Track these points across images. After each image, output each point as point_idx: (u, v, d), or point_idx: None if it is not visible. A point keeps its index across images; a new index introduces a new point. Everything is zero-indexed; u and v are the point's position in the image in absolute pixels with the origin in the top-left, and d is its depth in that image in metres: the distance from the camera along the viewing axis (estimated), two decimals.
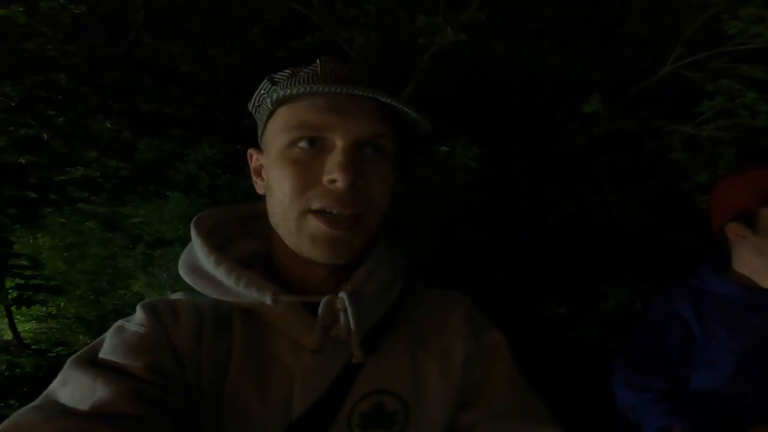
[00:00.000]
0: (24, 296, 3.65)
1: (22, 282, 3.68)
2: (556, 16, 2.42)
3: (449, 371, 0.80)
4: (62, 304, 5.05)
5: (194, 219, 0.81)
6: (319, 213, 0.68)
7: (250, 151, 0.83)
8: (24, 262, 3.69)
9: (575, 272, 2.92)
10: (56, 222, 4.06)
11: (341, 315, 0.71)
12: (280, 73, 0.76)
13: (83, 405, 0.57)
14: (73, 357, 0.65)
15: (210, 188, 2.88)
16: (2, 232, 3.59)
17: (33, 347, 4.44)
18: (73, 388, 0.60)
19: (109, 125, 3.30)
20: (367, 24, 1.97)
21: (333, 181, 0.67)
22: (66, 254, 4.39)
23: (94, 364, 0.63)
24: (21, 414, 0.57)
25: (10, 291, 3.65)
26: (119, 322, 0.70)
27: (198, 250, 0.77)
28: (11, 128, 3.38)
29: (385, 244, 0.83)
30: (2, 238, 3.54)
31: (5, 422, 0.55)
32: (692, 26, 2.46)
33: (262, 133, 0.78)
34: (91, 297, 4.34)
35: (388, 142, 0.72)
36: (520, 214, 2.81)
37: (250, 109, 0.81)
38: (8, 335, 4.56)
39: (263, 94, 0.76)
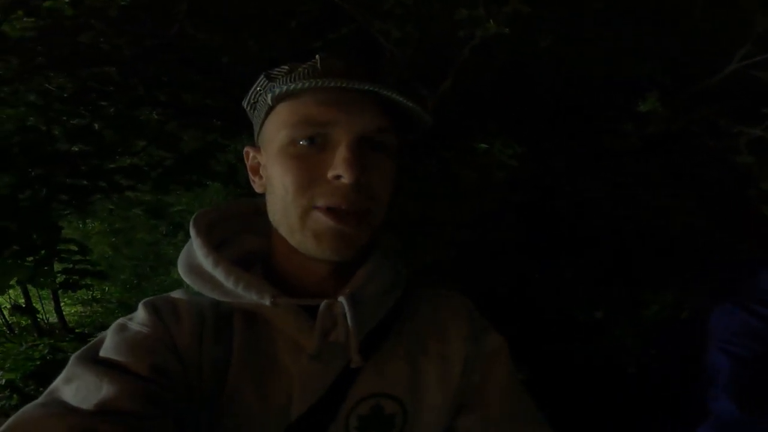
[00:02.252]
0: (70, 280, 3.79)
1: (69, 266, 3.83)
2: (607, 8, 2.30)
3: (448, 375, 0.79)
4: (107, 288, 5.29)
5: (193, 216, 0.82)
6: (324, 209, 0.68)
7: (247, 148, 0.83)
8: (72, 247, 3.83)
9: (614, 276, 2.81)
10: (105, 209, 4.22)
11: (340, 319, 0.71)
12: (277, 69, 0.76)
13: (87, 403, 0.58)
14: (76, 354, 0.66)
15: (247, 179, 2.91)
16: (53, 218, 3.75)
17: (77, 331, 4.65)
18: (77, 385, 0.60)
19: (155, 116, 3.40)
20: (403, 16, 1.93)
21: (338, 177, 0.67)
22: (113, 239, 4.58)
23: (97, 362, 0.63)
24: (26, 411, 0.57)
25: (57, 275, 3.80)
26: (121, 320, 0.71)
27: (197, 249, 0.78)
28: (65, 118, 3.54)
29: (384, 247, 0.83)
30: (52, 224, 3.70)
31: (10, 420, 0.56)
32: (764, 22, 2.30)
33: (260, 130, 0.78)
34: (135, 282, 4.52)
35: (390, 138, 0.72)
36: (557, 214, 2.71)
37: (245, 106, 0.81)
38: (54, 318, 4.78)
39: (260, 90, 0.76)
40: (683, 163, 2.57)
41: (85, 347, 0.68)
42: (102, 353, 0.65)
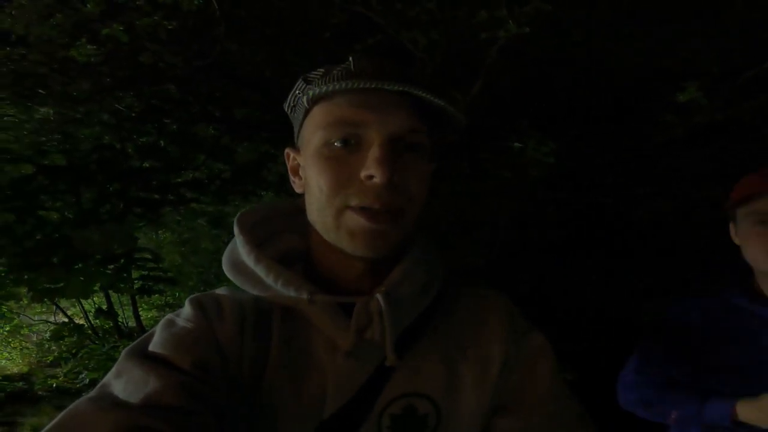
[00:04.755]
0: (146, 286, 4.08)
1: (145, 273, 4.12)
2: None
3: (485, 376, 0.78)
4: (177, 294, 5.61)
5: (237, 215, 0.82)
6: (358, 208, 0.68)
7: (287, 150, 0.82)
8: (147, 256, 4.11)
9: (668, 273, 2.67)
10: (174, 220, 4.50)
11: (376, 317, 0.71)
12: (314, 72, 0.76)
13: (135, 397, 0.60)
14: (127, 349, 0.68)
15: None
16: (130, 230, 4.05)
17: None
18: (126, 380, 0.63)
19: (212, 131, 3.62)
20: (428, 22, 1.96)
21: (370, 177, 0.66)
22: (183, 249, 4.87)
23: (146, 357, 0.66)
24: (77, 405, 0.60)
25: (135, 281, 4.09)
26: (169, 316, 0.74)
27: (240, 246, 0.79)
28: (135, 136, 3.84)
29: (421, 244, 0.82)
30: (129, 235, 4.00)
31: (63, 413, 0.59)
32: None
33: (299, 132, 0.78)
34: (202, 288, 4.76)
35: (423, 138, 0.71)
36: (603, 212, 2.62)
37: (286, 110, 0.82)
38: (133, 322, 5.09)
39: (298, 93, 0.76)
40: (735, 154, 2.43)
41: (135, 342, 0.70)
42: (151, 348, 0.67)
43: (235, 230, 0.80)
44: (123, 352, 0.68)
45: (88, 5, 2.09)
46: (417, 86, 0.65)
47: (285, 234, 0.84)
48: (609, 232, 2.77)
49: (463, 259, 2.34)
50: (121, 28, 2.12)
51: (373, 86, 0.65)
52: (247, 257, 0.77)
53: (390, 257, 0.74)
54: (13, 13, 2.45)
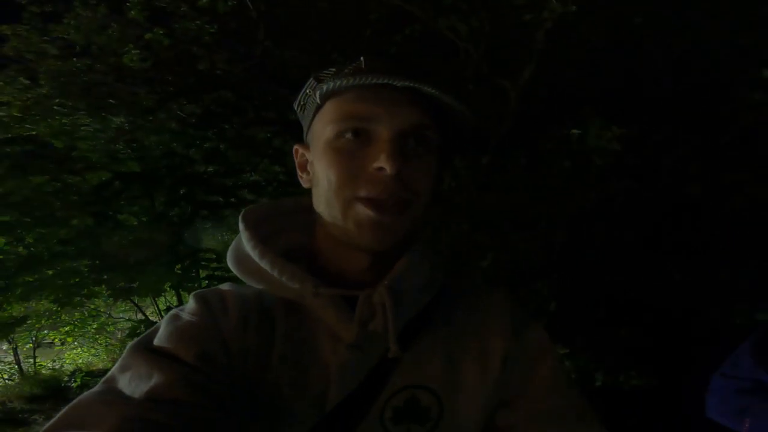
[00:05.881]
0: (212, 285, 4.23)
1: (210, 273, 4.28)
2: None
3: (487, 369, 0.78)
4: None
5: (243, 212, 0.83)
6: (366, 200, 0.69)
7: (296, 147, 0.84)
8: (212, 256, 4.27)
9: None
10: (235, 221, 4.62)
11: (379, 309, 0.72)
12: (325, 71, 0.78)
13: (139, 391, 0.61)
14: (132, 343, 0.69)
15: None
16: (196, 232, 4.21)
17: None
18: (131, 374, 0.64)
19: (269, 135, 3.67)
20: (467, 10, 1.85)
21: (380, 169, 0.68)
22: None
23: (151, 351, 0.67)
24: (82, 399, 0.61)
25: (202, 280, 4.26)
26: (174, 311, 0.75)
27: (245, 242, 0.80)
28: (198, 142, 3.97)
29: (425, 239, 0.82)
30: (195, 236, 4.16)
31: (68, 407, 0.60)
32: None
33: (308, 128, 0.79)
34: None
35: (432, 134, 0.72)
36: (684, 203, 2.37)
37: (296, 108, 0.83)
38: None
39: (309, 92, 0.77)
40: None
41: (141, 336, 0.71)
42: (156, 342, 0.68)
43: (240, 226, 0.81)
44: (128, 347, 0.68)
45: (132, 12, 2.15)
46: (425, 83, 0.66)
47: (288, 231, 0.85)
48: (693, 226, 2.50)
49: (521, 259, 2.20)
50: (162, 32, 2.17)
51: (381, 81, 0.67)
52: (252, 252, 0.77)
53: (394, 252, 0.74)
54: (72, 23, 2.56)
